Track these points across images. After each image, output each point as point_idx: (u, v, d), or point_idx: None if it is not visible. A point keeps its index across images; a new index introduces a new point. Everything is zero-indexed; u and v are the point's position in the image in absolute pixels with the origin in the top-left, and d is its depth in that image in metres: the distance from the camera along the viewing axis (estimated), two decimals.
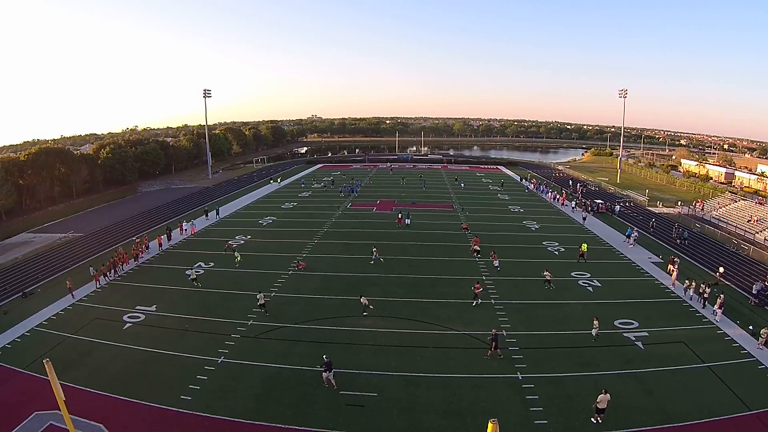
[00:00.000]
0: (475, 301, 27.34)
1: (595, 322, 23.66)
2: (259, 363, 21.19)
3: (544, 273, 30.26)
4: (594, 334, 23.40)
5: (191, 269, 32.15)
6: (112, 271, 32.73)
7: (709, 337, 23.85)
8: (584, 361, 21.35)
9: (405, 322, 25.19)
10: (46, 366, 11.58)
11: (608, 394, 17.07)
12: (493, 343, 21.45)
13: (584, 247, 36.27)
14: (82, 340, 23.80)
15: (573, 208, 54.71)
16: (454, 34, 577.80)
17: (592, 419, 17.19)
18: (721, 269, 32.75)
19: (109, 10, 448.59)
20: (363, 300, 26.32)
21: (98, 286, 30.92)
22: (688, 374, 20.37)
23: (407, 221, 45.50)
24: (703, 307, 27.10)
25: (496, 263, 33.62)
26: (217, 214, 51.52)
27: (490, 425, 6.54)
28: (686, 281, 29.24)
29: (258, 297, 26.54)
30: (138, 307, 27.33)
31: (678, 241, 40.02)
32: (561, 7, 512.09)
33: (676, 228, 43.30)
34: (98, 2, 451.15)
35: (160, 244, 39.35)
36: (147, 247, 38.83)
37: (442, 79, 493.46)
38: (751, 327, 24.44)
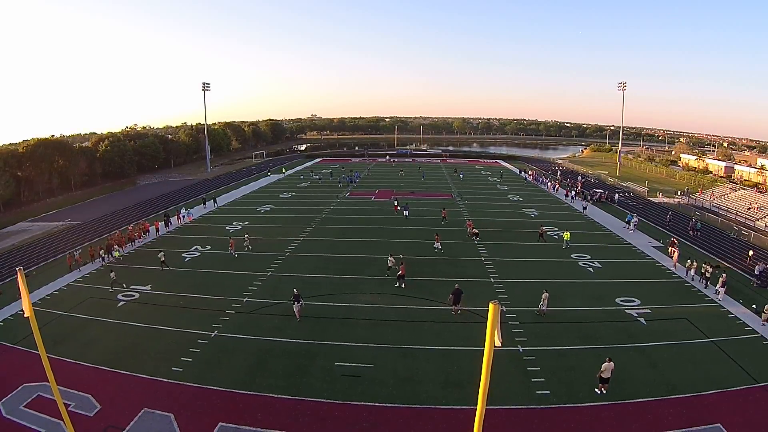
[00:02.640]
0: (398, 283, 26.37)
1: (545, 294, 22.90)
2: (253, 336, 20.84)
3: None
4: (543, 308, 22.80)
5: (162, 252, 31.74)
6: (108, 255, 32.29)
7: (713, 314, 23.48)
8: (586, 336, 20.98)
9: (403, 299, 24.86)
10: (18, 274, 11.07)
11: (612, 363, 16.66)
12: (452, 297, 22.67)
13: (567, 235, 34.84)
14: (76, 317, 23.45)
15: (573, 198, 54.37)
16: (454, 34, 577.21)
17: (597, 390, 16.80)
18: (751, 252, 32.23)
19: (108, 10, 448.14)
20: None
21: (71, 268, 30.38)
22: (692, 348, 19.99)
23: (406, 213, 43.70)
24: (705, 287, 26.75)
25: (437, 245, 33.15)
26: (215, 203, 51.20)
27: (491, 305, 6.13)
28: (687, 261, 28.88)
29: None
30: (133, 287, 26.99)
31: (691, 232, 39.34)
32: (560, 7, 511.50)
33: (692, 220, 42.14)
34: (98, 2, 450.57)
35: (158, 230, 39.01)
36: (147, 232, 38.62)
37: (442, 79, 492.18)
38: (754, 306, 24.07)
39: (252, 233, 38.61)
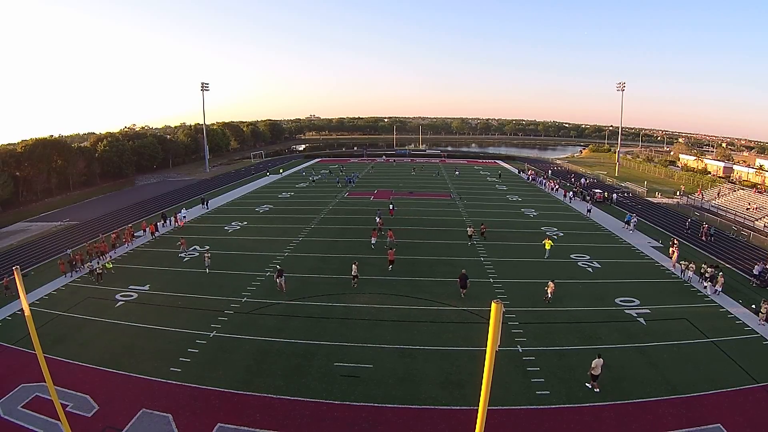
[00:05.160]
0: (390, 266, 29.02)
1: (550, 283, 24.29)
2: (251, 336, 20.76)
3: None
4: (548, 296, 24.16)
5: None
6: (74, 270, 29.83)
7: (712, 314, 23.46)
8: (585, 336, 20.94)
9: (402, 299, 24.81)
10: (15, 273, 11.01)
11: (602, 359, 16.82)
12: (460, 281, 24.63)
13: (548, 244, 32.29)
14: (73, 317, 23.35)
15: (571, 198, 54.27)
16: (452, 34, 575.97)
17: (592, 386, 16.88)
18: None
19: (106, 10, 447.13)
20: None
21: (67, 276, 29.12)
22: (692, 348, 19.94)
23: (378, 219, 40.13)
24: (705, 288, 26.73)
25: (373, 241, 34.25)
26: (207, 205, 50.22)
27: (493, 305, 6.07)
28: (684, 262, 28.85)
29: None
30: (131, 287, 26.89)
31: (704, 238, 38.49)
32: (558, 7, 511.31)
33: (705, 225, 40.47)
34: (96, 2, 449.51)
35: (152, 233, 38.44)
36: (144, 231, 38.43)
37: (440, 79, 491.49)
38: (753, 306, 24.06)
39: (250, 233, 38.70)
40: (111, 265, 30.11)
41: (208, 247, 32.11)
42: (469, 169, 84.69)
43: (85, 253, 32.21)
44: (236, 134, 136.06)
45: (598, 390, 16.74)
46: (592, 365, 16.78)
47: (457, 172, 75.56)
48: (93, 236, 38.83)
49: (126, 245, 35.59)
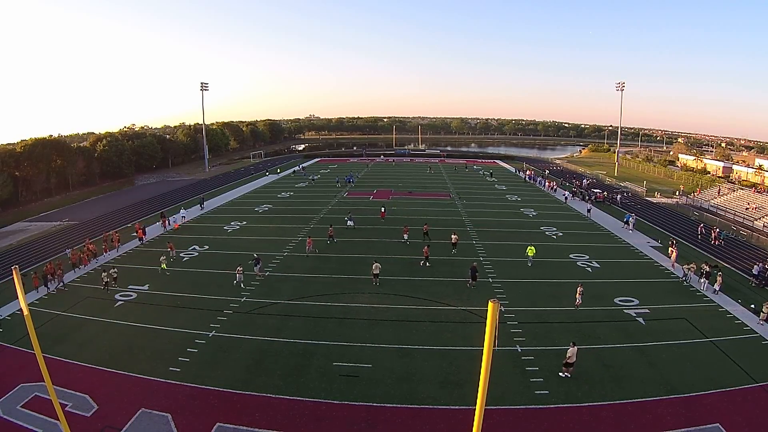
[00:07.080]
0: (423, 263, 29.84)
1: (579, 289, 23.94)
2: (251, 336, 20.78)
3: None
4: (579, 299, 23.79)
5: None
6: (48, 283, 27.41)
7: (711, 314, 23.49)
8: (584, 335, 20.90)
9: (401, 299, 24.84)
10: (13, 272, 11.02)
11: (576, 347, 17.25)
12: (470, 273, 25.97)
13: (531, 251, 30.71)
14: (73, 317, 23.36)
15: (567, 198, 54.09)
16: (451, 34, 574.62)
17: (560, 373, 17.42)
18: None
19: (106, 10, 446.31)
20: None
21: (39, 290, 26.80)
22: (691, 348, 19.98)
23: (350, 223, 39.80)
24: (704, 288, 26.73)
25: (405, 236, 35.07)
26: (203, 206, 49.71)
27: (490, 304, 6.09)
28: (685, 266, 28.81)
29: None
30: (130, 287, 26.89)
31: (714, 242, 37.57)
32: (558, 7, 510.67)
33: (715, 229, 39.28)
34: (96, 2, 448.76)
35: (140, 238, 36.93)
36: (142, 234, 38.04)
37: (439, 79, 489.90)
38: (752, 305, 24.10)
39: (250, 232, 38.69)
40: (165, 266, 29.34)
41: (240, 267, 27.62)
42: (467, 168, 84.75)
43: (67, 261, 31.04)
44: (236, 134, 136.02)
45: (569, 375, 17.37)
46: (567, 354, 17.20)
47: (455, 169, 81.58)
48: (93, 235, 38.70)
49: (106, 253, 33.80)
